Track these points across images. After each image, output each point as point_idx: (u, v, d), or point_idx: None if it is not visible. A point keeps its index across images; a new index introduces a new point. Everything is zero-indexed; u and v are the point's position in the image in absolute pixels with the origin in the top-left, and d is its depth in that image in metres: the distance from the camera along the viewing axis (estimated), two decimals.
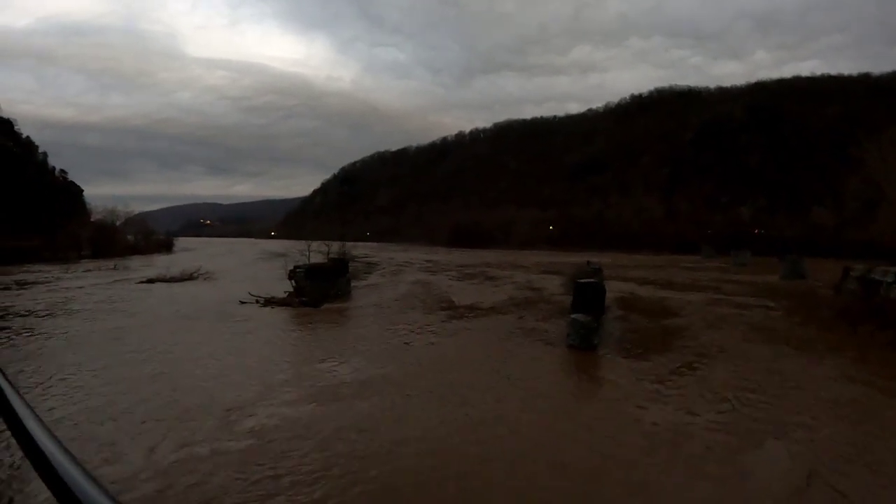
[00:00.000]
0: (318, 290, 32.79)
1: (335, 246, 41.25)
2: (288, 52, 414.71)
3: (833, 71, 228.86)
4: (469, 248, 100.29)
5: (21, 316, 28.76)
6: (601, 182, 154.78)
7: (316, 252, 39.35)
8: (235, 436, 11.72)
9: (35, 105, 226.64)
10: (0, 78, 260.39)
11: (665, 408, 13.69)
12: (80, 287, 43.68)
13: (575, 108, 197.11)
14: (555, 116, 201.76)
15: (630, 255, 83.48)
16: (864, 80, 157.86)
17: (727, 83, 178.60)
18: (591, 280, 25.21)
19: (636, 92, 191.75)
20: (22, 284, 45.21)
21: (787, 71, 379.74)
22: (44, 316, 28.83)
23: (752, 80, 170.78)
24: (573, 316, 21.01)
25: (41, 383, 15.29)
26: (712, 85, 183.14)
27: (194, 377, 16.28)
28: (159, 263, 65.68)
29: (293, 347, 21.62)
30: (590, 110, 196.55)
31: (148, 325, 25.72)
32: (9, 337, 22.34)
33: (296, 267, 34.81)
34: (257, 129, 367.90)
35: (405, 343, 21.79)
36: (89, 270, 60.24)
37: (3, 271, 53.69)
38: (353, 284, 38.49)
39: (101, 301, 35.00)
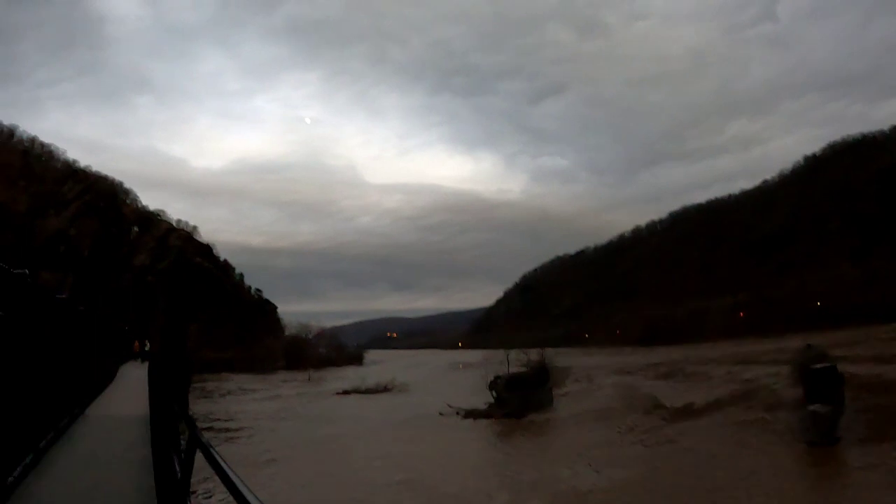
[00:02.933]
0: (520, 400, 31.73)
1: (533, 354, 40.18)
2: (457, 171, 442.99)
3: None
4: (659, 346, 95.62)
5: (255, 419, 32.65)
6: (790, 256, 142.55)
7: (501, 360, 38.70)
8: None
9: (231, 233, 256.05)
10: (201, 211, 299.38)
11: None
12: (288, 395, 47.06)
13: (745, 184, 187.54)
14: (729, 195, 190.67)
15: (833, 331, 75.33)
16: None
17: None
18: (827, 365, 22.37)
19: (807, 153, 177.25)
20: (243, 391, 51.29)
21: None
22: (274, 420, 32.66)
23: None
24: (811, 408, 18.94)
25: (303, 483, 16.65)
26: (884, 127, 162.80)
27: (440, 483, 16.90)
28: (352, 375, 68.02)
29: (519, 456, 21.60)
30: (764, 182, 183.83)
31: (369, 433, 27.80)
32: (251, 437, 24.29)
33: (496, 377, 34.14)
34: (435, 245, 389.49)
35: (637, 448, 21.12)
36: (285, 381, 64.18)
37: (212, 378, 59.83)
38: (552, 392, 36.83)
39: (320, 409, 38.86)
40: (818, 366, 22.03)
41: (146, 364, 27.67)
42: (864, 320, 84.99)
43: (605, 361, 67.74)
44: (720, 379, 38.37)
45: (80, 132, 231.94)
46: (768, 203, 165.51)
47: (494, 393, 33.41)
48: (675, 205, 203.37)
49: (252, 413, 35.39)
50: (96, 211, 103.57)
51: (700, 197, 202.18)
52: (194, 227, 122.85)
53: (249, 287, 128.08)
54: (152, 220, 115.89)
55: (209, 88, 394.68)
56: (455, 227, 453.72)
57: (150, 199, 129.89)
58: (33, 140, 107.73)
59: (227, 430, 28.40)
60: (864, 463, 15.49)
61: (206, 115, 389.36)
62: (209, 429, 27.56)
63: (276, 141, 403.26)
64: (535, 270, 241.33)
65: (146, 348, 37.32)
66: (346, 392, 49.64)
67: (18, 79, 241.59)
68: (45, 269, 59.45)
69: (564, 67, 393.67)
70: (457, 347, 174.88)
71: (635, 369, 53.23)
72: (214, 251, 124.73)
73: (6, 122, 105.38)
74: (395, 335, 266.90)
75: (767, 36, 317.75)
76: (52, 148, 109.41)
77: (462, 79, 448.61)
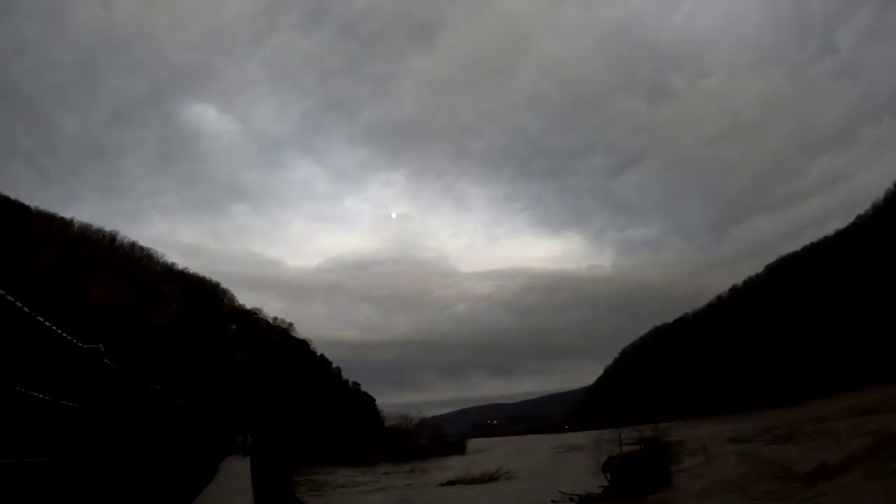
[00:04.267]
0: (637, 481, 30.48)
1: (645, 430, 38.77)
2: (546, 252, 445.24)
3: None
4: (770, 409, 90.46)
5: None
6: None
7: (609, 440, 37.38)
8: None
9: (327, 329, 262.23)
10: (297, 309, 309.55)
11: None
12: (395, 487, 47.08)
13: (838, 224, 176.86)
14: (825, 237, 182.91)
15: None
16: None
17: None
18: None
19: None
20: (353, 484, 52.90)
21: None
22: None
23: None
24: None
25: None
26: None
27: None
28: (455, 465, 67.02)
29: None
30: (858, 217, 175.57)
31: None
32: None
33: (609, 458, 33.10)
34: (531, 327, 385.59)
35: None
36: (388, 473, 63.85)
37: (318, 472, 60.68)
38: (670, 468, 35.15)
39: (430, 501, 39.88)
40: None
41: (248, 458, 28.18)
42: None
43: (717, 431, 64.46)
44: (846, 434, 36.11)
45: (180, 239, 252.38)
46: (866, 238, 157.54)
47: (608, 475, 32.12)
48: (771, 257, 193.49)
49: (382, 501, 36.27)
50: (195, 310, 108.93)
51: (794, 245, 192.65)
52: (290, 324, 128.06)
53: (347, 381, 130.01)
54: (250, 318, 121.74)
55: (301, 194, 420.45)
56: (549, 308, 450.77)
57: (247, 299, 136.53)
58: (133, 244, 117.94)
59: None
60: None
61: (299, 218, 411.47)
62: None
63: (368, 239, 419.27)
64: (634, 343, 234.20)
65: (249, 442, 38.23)
66: (450, 483, 49.00)
67: (123, 192, 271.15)
68: (147, 365, 62.07)
69: (639, 137, 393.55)
70: (561, 430, 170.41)
71: (751, 436, 50.57)
72: (311, 346, 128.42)
73: (109, 229, 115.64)
74: (495, 422, 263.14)
75: (832, 69, 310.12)
76: (152, 252, 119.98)
77: (541, 162, 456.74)
